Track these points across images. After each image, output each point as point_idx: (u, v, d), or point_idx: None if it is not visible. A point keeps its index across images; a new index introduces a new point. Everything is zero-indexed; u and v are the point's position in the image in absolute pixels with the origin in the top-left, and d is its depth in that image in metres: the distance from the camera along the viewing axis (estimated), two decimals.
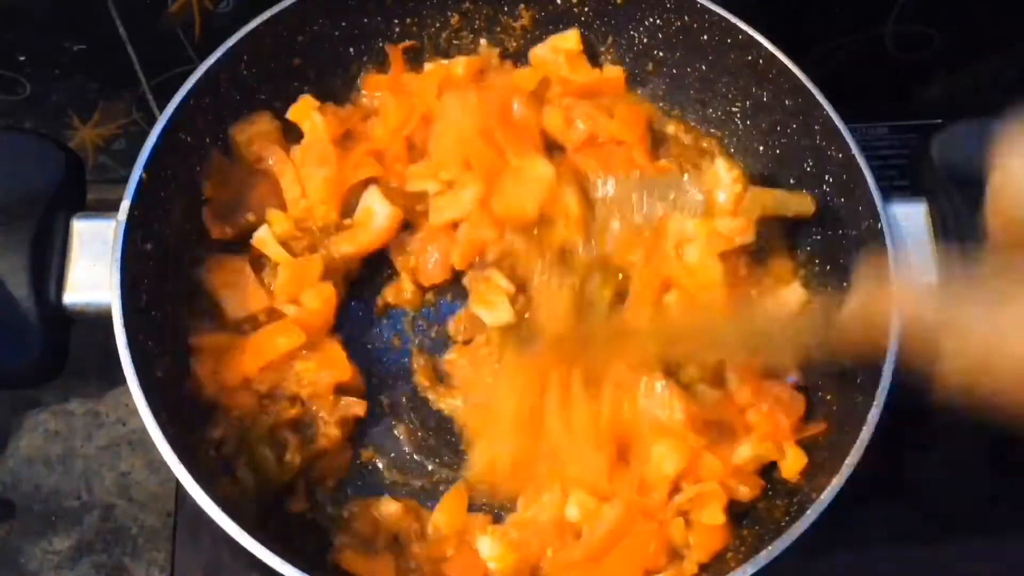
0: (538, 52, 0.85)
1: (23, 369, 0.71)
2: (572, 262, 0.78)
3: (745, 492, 0.73)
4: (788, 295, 0.78)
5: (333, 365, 0.76)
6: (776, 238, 0.81)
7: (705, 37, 0.82)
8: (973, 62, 1.00)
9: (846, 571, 0.84)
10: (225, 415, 0.74)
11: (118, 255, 0.69)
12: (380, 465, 0.78)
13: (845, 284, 0.77)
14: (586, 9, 0.85)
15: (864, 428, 0.68)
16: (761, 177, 0.84)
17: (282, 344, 0.74)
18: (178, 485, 0.65)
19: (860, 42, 0.97)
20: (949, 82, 1.02)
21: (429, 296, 0.82)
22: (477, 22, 0.86)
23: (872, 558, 0.84)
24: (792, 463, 0.73)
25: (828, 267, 0.79)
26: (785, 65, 0.78)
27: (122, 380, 0.67)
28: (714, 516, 0.71)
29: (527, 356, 0.76)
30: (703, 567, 0.71)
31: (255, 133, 0.80)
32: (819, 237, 0.80)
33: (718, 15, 0.80)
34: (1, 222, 0.71)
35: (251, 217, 0.79)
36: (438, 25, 0.85)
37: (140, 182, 0.71)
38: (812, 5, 0.92)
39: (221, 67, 0.77)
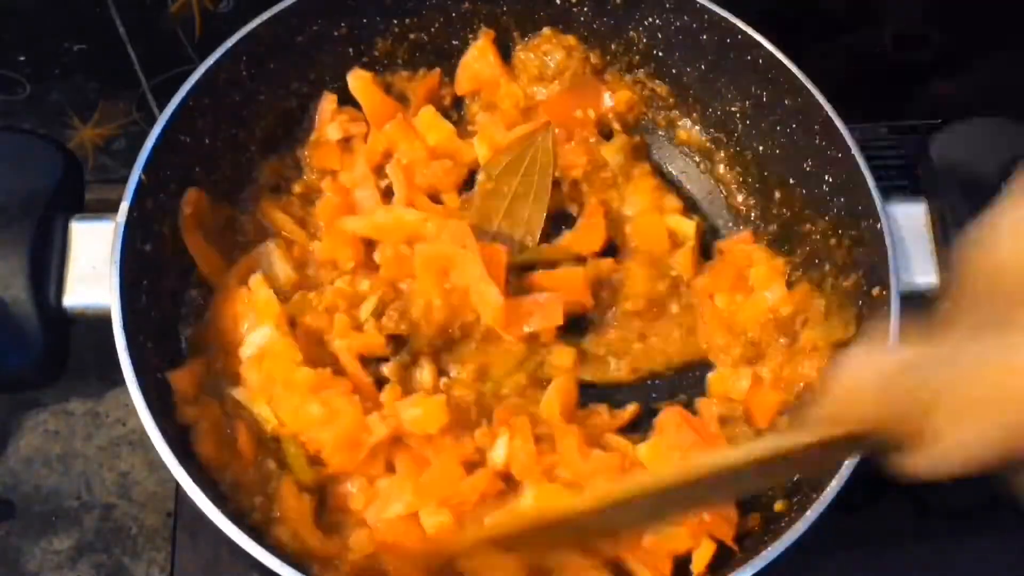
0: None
1: (24, 372, 0.71)
2: None
3: None
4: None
5: None
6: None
7: (705, 37, 0.82)
8: (973, 62, 1.00)
9: (846, 571, 0.84)
10: None
11: (117, 256, 0.69)
12: None
13: (845, 283, 0.77)
14: (585, 9, 0.85)
15: None
16: (761, 177, 0.85)
17: None
18: (178, 485, 0.65)
19: (860, 42, 0.97)
20: (949, 82, 1.02)
21: None
22: (476, 22, 0.86)
23: (872, 558, 0.84)
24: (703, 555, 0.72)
25: (827, 267, 0.79)
26: (785, 65, 0.78)
27: (122, 380, 0.67)
28: None
29: None
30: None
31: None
32: (818, 237, 0.80)
33: (718, 15, 0.80)
34: (0, 224, 0.71)
35: None
36: (437, 25, 0.85)
37: (139, 183, 0.71)
38: (813, 5, 0.92)
39: (221, 67, 0.77)
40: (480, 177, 0.83)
